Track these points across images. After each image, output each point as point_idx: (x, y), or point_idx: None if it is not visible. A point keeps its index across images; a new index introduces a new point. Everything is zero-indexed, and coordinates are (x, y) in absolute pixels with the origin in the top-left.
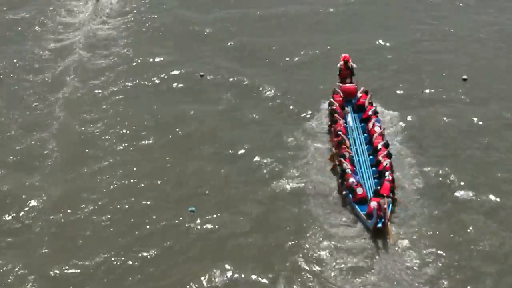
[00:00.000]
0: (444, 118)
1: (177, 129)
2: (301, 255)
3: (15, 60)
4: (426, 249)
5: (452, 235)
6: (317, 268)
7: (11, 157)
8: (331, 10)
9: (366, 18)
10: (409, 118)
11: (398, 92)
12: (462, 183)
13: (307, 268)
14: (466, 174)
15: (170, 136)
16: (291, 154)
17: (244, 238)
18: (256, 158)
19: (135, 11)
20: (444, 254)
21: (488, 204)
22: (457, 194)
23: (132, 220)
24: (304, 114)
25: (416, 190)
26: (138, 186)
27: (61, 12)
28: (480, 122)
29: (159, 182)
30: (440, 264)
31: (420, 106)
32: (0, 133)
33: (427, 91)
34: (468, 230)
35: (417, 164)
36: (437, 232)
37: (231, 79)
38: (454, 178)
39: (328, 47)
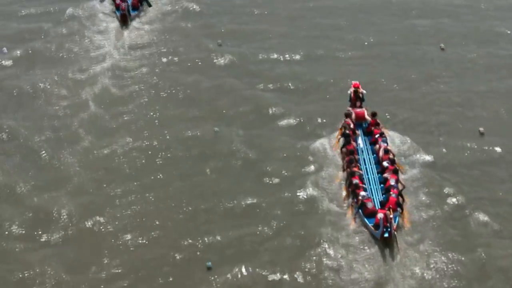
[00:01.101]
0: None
1: (196, 148)
2: (312, 260)
3: (40, 84)
4: (433, 258)
5: (459, 246)
6: (327, 273)
7: (39, 173)
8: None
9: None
10: (423, 144)
11: (410, 118)
12: (472, 204)
13: (318, 272)
14: (476, 195)
15: (185, 157)
16: (305, 171)
17: (259, 244)
18: (272, 170)
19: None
20: (451, 265)
21: (499, 225)
22: (467, 213)
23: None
24: (318, 135)
25: (426, 206)
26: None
27: (85, 41)
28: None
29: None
30: (447, 274)
31: (431, 134)
32: (26, 152)
33: (441, 120)
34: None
35: (428, 184)
36: (445, 242)
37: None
38: (465, 199)
39: (341, 76)
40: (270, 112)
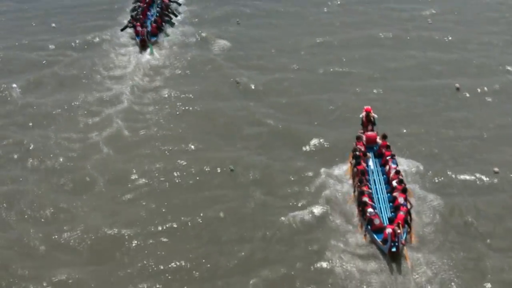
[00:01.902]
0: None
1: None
2: (322, 272)
3: (65, 106)
4: (440, 274)
5: (468, 263)
6: (336, 284)
7: (62, 180)
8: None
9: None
10: (432, 170)
11: (420, 146)
12: (479, 224)
13: (327, 283)
14: (485, 218)
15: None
16: (318, 190)
17: (272, 254)
18: (288, 190)
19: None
20: (457, 280)
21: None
22: (474, 229)
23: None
24: (331, 157)
25: (434, 225)
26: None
27: (106, 66)
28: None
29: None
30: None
31: (442, 160)
32: (51, 161)
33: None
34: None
35: (435, 205)
36: (452, 260)
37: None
38: (473, 218)
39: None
40: (287, 137)
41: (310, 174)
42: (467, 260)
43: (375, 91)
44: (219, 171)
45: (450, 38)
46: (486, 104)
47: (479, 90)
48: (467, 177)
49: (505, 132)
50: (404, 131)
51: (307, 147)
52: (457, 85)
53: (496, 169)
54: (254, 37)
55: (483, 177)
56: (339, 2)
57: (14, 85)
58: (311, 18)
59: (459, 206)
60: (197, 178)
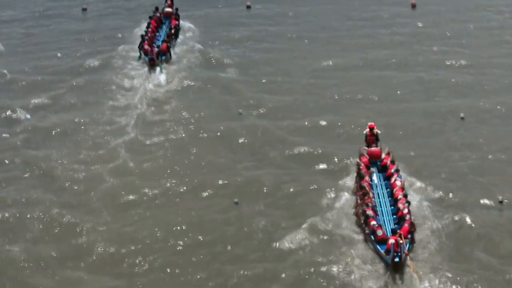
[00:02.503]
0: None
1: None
2: (327, 284)
3: (74, 128)
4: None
5: (469, 272)
6: None
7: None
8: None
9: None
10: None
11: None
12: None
13: None
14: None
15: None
16: (323, 204)
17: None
18: (296, 203)
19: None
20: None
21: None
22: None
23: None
24: (336, 173)
25: (437, 235)
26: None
27: (114, 86)
28: None
29: None
30: None
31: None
32: (59, 181)
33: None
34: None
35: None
36: (454, 271)
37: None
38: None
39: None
40: (293, 152)
41: (317, 187)
42: (470, 273)
43: (380, 113)
44: (225, 199)
45: (454, 61)
46: (491, 127)
47: (484, 113)
48: (472, 199)
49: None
50: (410, 153)
51: (315, 165)
52: (462, 115)
53: (500, 198)
54: (260, 60)
55: (487, 201)
56: (345, 27)
57: (19, 109)
58: (317, 42)
59: (463, 225)
60: (203, 202)
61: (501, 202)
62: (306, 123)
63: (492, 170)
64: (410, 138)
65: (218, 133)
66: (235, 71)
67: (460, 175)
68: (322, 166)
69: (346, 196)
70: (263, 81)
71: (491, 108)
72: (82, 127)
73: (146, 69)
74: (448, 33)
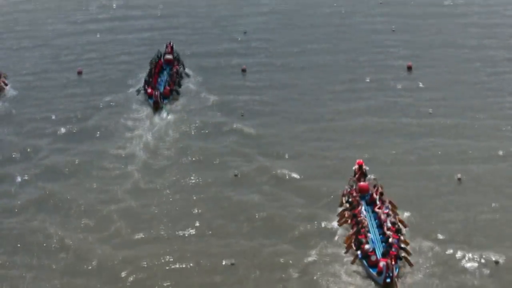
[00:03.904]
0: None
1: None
2: None
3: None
4: None
5: None
6: None
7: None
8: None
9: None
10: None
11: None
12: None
13: None
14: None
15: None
16: (317, 232)
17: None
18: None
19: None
20: None
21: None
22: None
23: None
24: (326, 203)
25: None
26: None
27: (120, 126)
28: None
29: None
30: None
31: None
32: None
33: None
34: None
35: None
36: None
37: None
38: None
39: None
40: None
41: (313, 218)
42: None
43: (377, 174)
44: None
45: (450, 124)
46: (487, 188)
47: (480, 176)
48: (467, 263)
49: (503, 216)
50: (405, 214)
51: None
52: (459, 175)
53: (494, 258)
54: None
55: (482, 260)
56: (342, 90)
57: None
58: (312, 103)
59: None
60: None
61: (496, 262)
62: (301, 183)
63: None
64: (405, 199)
65: (213, 196)
66: (232, 115)
67: (454, 235)
68: (309, 195)
69: (333, 224)
70: (262, 140)
71: (487, 169)
72: (73, 192)
73: (147, 118)
74: (444, 95)
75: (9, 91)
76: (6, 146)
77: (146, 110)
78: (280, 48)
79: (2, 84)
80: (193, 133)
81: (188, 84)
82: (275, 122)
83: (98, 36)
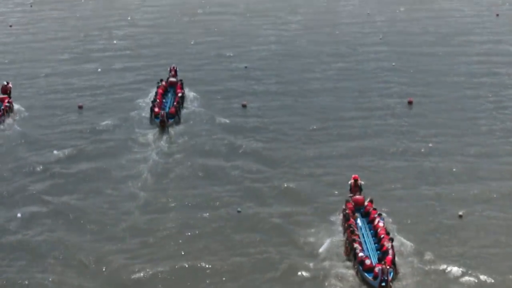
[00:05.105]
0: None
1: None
2: None
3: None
4: None
5: None
6: None
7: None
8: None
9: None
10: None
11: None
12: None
13: None
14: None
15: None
16: (315, 243)
17: None
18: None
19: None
20: None
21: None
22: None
23: None
24: (324, 218)
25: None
26: None
27: (128, 144)
28: None
29: None
30: None
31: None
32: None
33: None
34: None
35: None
36: None
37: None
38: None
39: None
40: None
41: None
42: None
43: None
44: None
45: (450, 160)
46: (487, 227)
47: (481, 218)
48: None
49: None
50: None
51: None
52: (460, 213)
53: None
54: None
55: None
56: (342, 126)
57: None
58: (312, 132)
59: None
60: None
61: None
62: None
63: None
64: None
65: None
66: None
67: None
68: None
69: (332, 236)
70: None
71: (489, 212)
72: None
73: (154, 137)
74: (444, 131)
75: (18, 111)
76: (18, 163)
77: (153, 129)
78: (282, 82)
79: (8, 104)
80: (196, 152)
81: (192, 107)
82: (275, 157)
83: (99, 70)
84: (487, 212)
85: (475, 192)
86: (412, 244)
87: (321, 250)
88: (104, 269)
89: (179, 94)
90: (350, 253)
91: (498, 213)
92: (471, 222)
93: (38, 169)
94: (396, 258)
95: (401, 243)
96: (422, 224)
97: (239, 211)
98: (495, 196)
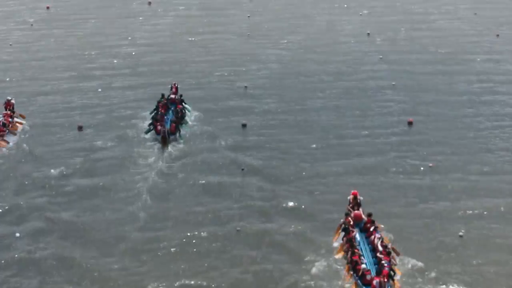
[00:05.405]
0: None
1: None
2: None
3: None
4: None
5: None
6: None
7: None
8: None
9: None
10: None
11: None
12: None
13: None
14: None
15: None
16: (315, 259)
17: None
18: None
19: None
20: None
21: None
22: None
23: None
24: (324, 234)
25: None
26: None
27: (130, 161)
28: None
29: None
30: None
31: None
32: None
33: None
34: None
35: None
36: None
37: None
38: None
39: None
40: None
41: (306, 243)
42: None
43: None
44: None
45: (450, 178)
46: (487, 245)
47: (481, 236)
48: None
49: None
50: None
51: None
52: (461, 233)
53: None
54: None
55: None
56: (342, 144)
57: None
58: (310, 159)
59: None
60: None
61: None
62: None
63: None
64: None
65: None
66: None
67: None
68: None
69: (331, 251)
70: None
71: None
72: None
73: (155, 154)
74: (444, 150)
75: (25, 128)
76: (19, 179)
77: (154, 146)
78: (282, 100)
79: (18, 122)
80: (197, 169)
81: (192, 124)
82: (274, 179)
83: (99, 90)
84: (488, 231)
85: (475, 210)
86: (412, 262)
87: (321, 267)
88: None
89: (179, 111)
90: (348, 265)
91: (498, 232)
92: (471, 241)
93: (39, 185)
94: (398, 276)
95: (401, 261)
96: (422, 242)
97: (238, 230)
98: (495, 214)
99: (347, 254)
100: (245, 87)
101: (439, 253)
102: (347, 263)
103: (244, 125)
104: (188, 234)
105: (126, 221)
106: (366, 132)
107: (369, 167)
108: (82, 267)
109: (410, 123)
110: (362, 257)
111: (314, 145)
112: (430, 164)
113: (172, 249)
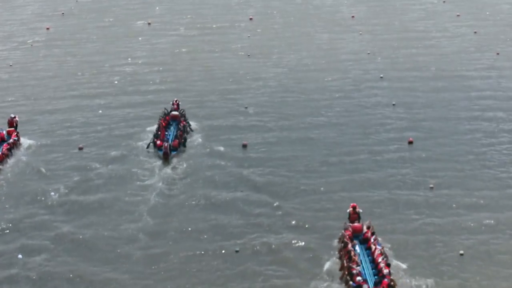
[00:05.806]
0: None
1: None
2: None
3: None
4: None
5: None
6: None
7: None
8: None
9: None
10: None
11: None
12: None
13: None
14: None
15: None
16: (313, 271)
17: None
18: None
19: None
20: None
21: None
22: None
23: None
24: (325, 248)
25: None
26: None
27: (133, 176)
28: None
29: None
30: None
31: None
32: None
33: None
34: None
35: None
36: None
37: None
38: None
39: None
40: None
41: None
42: None
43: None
44: None
45: (451, 196)
46: (489, 260)
47: (483, 251)
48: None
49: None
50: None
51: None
52: (461, 252)
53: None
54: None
55: None
56: (342, 163)
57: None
58: (315, 177)
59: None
60: None
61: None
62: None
63: None
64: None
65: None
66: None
67: None
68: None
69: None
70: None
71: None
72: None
73: (157, 169)
74: (445, 169)
75: (25, 143)
76: (22, 195)
77: (156, 162)
78: (283, 118)
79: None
80: (199, 185)
81: (195, 140)
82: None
83: (100, 112)
84: (489, 246)
85: (476, 226)
86: (413, 276)
87: (324, 282)
88: None
89: (181, 126)
90: (347, 277)
91: (500, 247)
92: (473, 255)
93: (41, 203)
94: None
95: (402, 275)
96: (423, 257)
97: (237, 251)
98: (496, 229)
99: (344, 266)
100: (246, 107)
101: (440, 268)
102: (345, 275)
103: (244, 146)
104: (190, 251)
105: (127, 239)
106: (367, 148)
107: (370, 183)
108: (84, 284)
109: (410, 143)
110: (359, 268)
111: (315, 162)
112: (431, 185)
113: (175, 266)
